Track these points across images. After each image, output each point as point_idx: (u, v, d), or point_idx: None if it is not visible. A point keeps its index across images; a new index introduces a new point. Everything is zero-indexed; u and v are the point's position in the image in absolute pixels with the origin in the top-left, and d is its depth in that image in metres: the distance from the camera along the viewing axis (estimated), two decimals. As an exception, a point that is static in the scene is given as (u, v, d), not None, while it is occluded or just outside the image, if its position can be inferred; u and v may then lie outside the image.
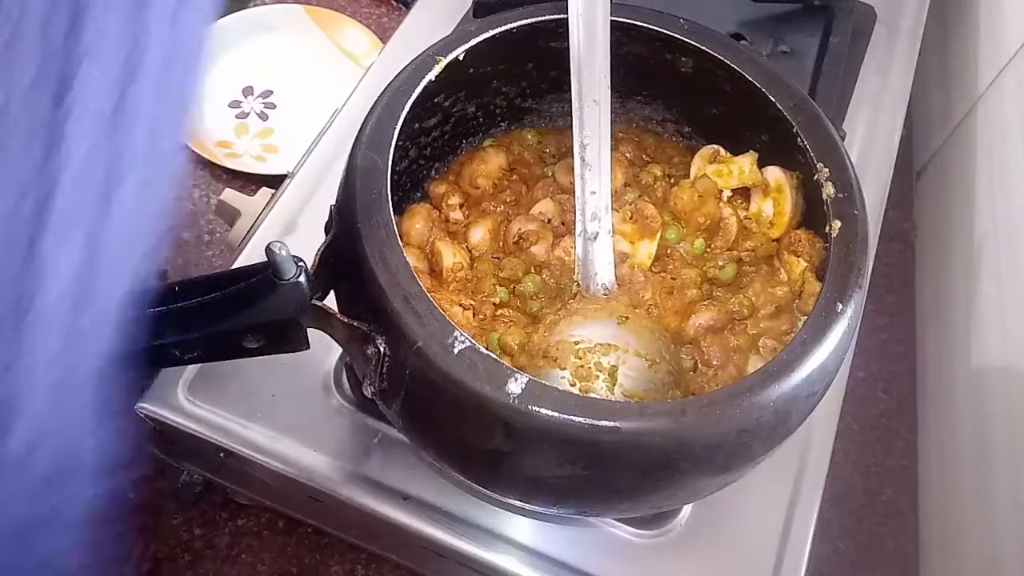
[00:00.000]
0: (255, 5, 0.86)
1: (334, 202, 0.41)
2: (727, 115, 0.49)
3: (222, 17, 0.82)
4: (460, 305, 0.43)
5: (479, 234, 0.47)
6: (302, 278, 0.37)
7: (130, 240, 0.29)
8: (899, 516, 0.65)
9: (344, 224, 0.39)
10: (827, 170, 0.43)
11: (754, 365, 0.43)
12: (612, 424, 0.34)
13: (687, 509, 0.47)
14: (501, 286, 0.45)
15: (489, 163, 0.50)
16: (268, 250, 0.35)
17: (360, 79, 0.62)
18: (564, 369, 0.41)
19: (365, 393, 0.39)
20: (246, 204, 0.59)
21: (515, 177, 0.50)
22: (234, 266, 0.51)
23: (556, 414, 0.34)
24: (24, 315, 0.25)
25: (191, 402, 0.48)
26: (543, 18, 0.46)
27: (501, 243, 0.47)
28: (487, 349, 0.36)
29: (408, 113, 0.42)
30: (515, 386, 0.34)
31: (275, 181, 0.60)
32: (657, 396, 0.41)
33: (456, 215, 0.48)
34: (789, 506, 0.48)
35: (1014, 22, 0.69)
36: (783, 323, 0.45)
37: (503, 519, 0.46)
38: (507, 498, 0.42)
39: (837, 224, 0.42)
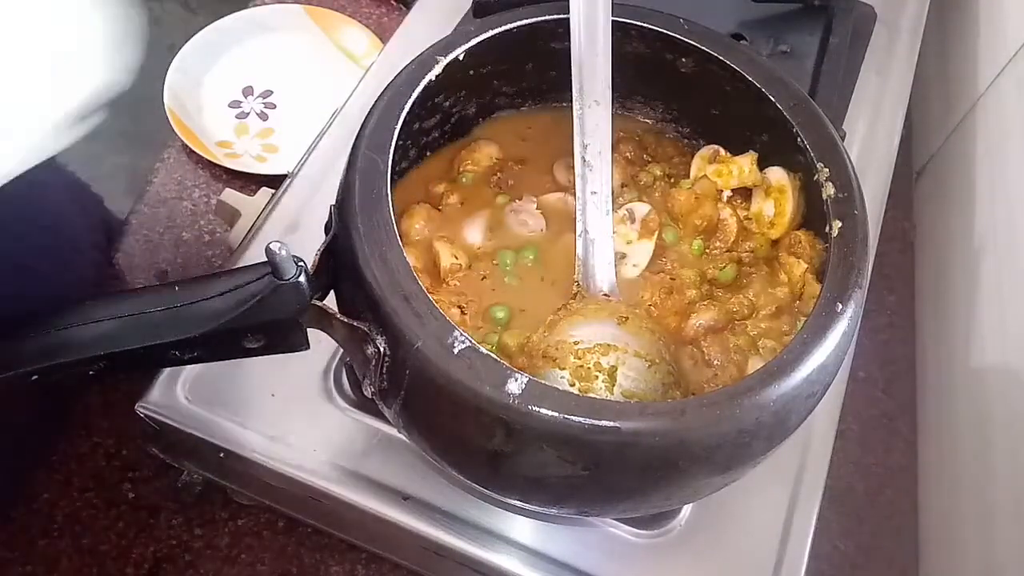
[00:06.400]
0: (255, 5, 0.86)
1: (334, 202, 0.41)
2: (727, 115, 0.49)
3: (222, 17, 0.83)
4: (459, 307, 0.43)
5: (475, 234, 0.47)
6: (302, 278, 0.37)
7: None
8: (899, 516, 0.65)
9: (344, 224, 0.39)
10: (827, 170, 0.43)
11: (754, 365, 0.43)
12: (612, 424, 0.34)
13: (687, 509, 0.47)
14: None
15: (479, 152, 0.50)
16: (268, 250, 0.35)
17: (360, 79, 0.62)
18: (563, 369, 0.41)
19: (365, 393, 0.39)
20: (246, 204, 0.59)
21: (509, 164, 0.50)
22: (234, 266, 0.51)
23: (556, 414, 0.34)
24: None
25: (191, 402, 0.48)
26: (543, 18, 0.46)
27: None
28: (487, 349, 0.36)
29: (408, 113, 0.42)
30: (515, 386, 0.34)
31: (275, 181, 0.60)
32: (657, 396, 0.41)
33: (453, 208, 0.48)
34: (789, 506, 0.48)
35: (1014, 22, 0.69)
36: (783, 323, 0.45)
37: (503, 519, 0.46)
38: (507, 498, 0.42)
39: (837, 224, 0.42)
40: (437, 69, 0.44)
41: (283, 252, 0.36)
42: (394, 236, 0.38)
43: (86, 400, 0.62)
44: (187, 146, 0.75)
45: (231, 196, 0.60)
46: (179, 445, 0.51)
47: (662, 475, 0.37)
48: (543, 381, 0.35)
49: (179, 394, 0.48)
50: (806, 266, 0.45)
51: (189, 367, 0.49)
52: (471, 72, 0.47)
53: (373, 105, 0.43)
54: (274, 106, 0.80)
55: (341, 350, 0.50)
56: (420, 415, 0.39)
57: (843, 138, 0.46)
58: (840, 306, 0.39)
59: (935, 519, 0.63)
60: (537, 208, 0.48)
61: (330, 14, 0.85)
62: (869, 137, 0.63)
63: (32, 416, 0.59)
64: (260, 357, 0.39)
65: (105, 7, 0.34)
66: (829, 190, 0.43)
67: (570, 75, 0.46)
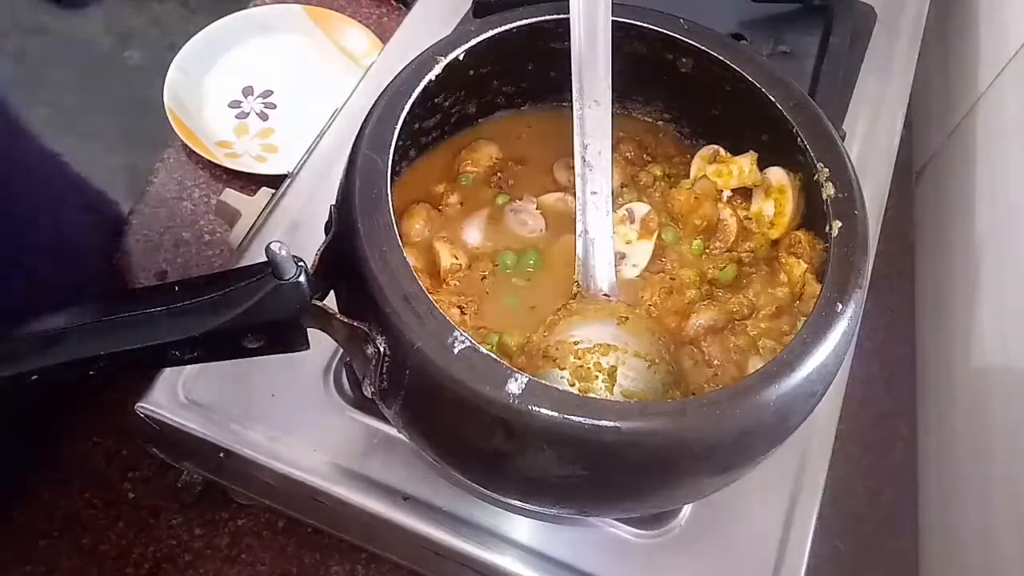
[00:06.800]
0: (255, 5, 0.86)
1: (334, 202, 0.41)
2: (727, 115, 0.49)
3: (222, 17, 0.83)
4: (459, 307, 0.43)
5: (475, 234, 0.47)
6: (302, 278, 0.37)
7: None
8: (899, 516, 0.65)
9: (344, 224, 0.39)
10: (827, 170, 0.43)
11: (754, 365, 0.43)
12: (612, 424, 0.34)
13: (687, 509, 0.47)
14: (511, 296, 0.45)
15: (480, 152, 0.50)
16: (268, 250, 0.35)
17: (360, 79, 0.62)
18: (563, 369, 0.41)
19: (365, 393, 0.39)
20: (246, 204, 0.59)
21: (509, 164, 0.50)
22: (234, 266, 0.51)
23: (556, 414, 0.34)
24: None
25: (191, 402, 0.48)
26: (543, 18, 0.46)
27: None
28: (487, 349, 0.36)
29: (408, 113, 0.42)
30: (515, 386, 0.34)
31: (275, 181, 0.60)
32: (657, 396, 0.41)
33: (453, 208, 0.48)
34: (789, 506, 0.48)
35: (1014, 22, 0.69)
36: (783, 323, 0.45)
37: (503, 519, 0.46)
38: (507, 498, 0.42)
39: (837, 224, 0.42)
40: (437, 69, 0.44)
41: (283, 252, 0.36)
42: (394, 236, 0.38)
43: (86, 400, 0.62)
44: (187, 146, 0.75)
45: (231, 196, 0.60)
46: (179, 445, 0.51)
47: (662, 475, 0.37)
48: (543, 381, 0.35)
49: (179, 394, 0.48)
50: (806, 266, 0.45)
51: (189, 367, 0.49)
52: (471, 72, 0.47)
53: (373, 105, 0.43)
54: (274, 106, 0.80)
55: (341, 350, 0.50)
56: (420, 415, 0.39)
57: (843, 138, 0.46)
58: (840, 306, 0.39)
59: (935, 519, 0.63)
60: (537, 208, 0.48)
61: (330, 14, 0.85)
62: (869, 137, 0.63)
63: (33, 416, 0.59)
64: (260, 357, 0.39)
65: None
66: (829, 190, 0.43)
67: (570, 75, 0.46)
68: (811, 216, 0.46)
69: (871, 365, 0.70)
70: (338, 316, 0.38)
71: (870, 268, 0.42)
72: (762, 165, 0.48)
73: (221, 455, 0.48)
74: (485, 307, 0.44)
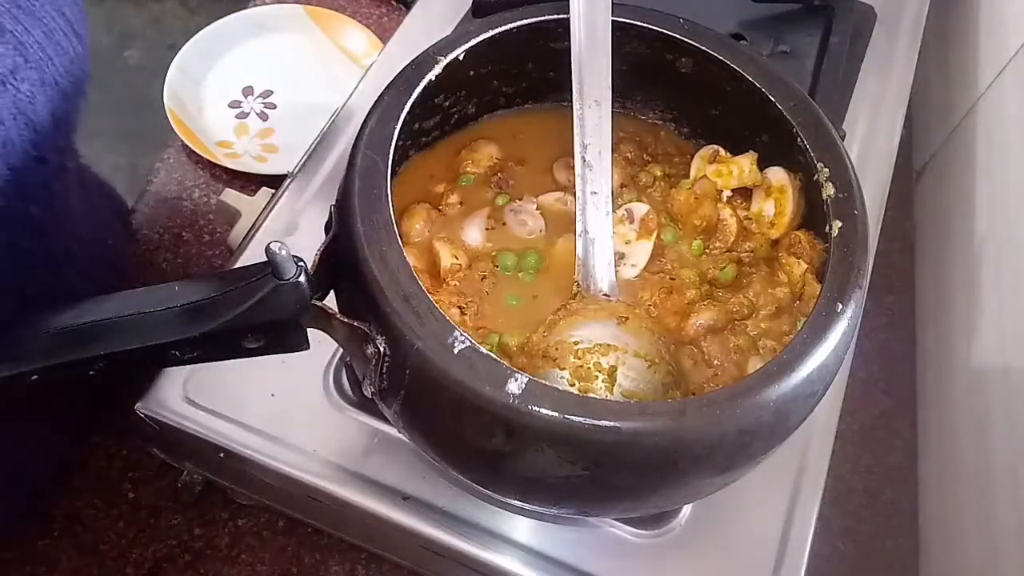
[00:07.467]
0: (255, 5, 0.86)
1: (334, 202, 0.41)
2: (727, 115, 0.49)
3: (222, 17, 0.83)
4: (459, 307, 0.43)
5: (475, 234, 0.47)
6: (302, 278, 0.37)
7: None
8: (899, 516, 0.65)
9: (344, 224, 0.39)
10: (827, 170, 0.43)
11: (754, 365, 0.43)
12: (612, 424, 0.34)
13: (687, 509, 0.47)
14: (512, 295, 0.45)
15: (480, 152, 0.50)
16: (268, 250, 0.35)
17: (360, 79, 0.62)
18: (563, 369, 0.41)
19: (365, 393, 0.39)
20: (246, 204, 0.59)
21: (509, 164, 0.50)
22: (234, 266, 0.51)
23: (556, 414, 0.34)
24: None
25: (191, 402, 0.48)
26: (543, 18, 0.46)
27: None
28: (487, 349, 0.36)
29: (408, 113, 0.42)
30: (515, 386, 0.34)
31: (275, 181, 0.60)
32: (657, 396, 0.41)
33: (453, 208, 0.48)
34: (789, 506, 0.48)
35: (1014, 22, 0.69)
36: (783, 324, 0.45)
37: (503, 519, 0.46)
38: (507, 498, 0.42)
39: (837, 224, 0.42)
40: (437, 69, 0.44)
41: (283, 252, 0.36)
42: (394, 236, 0.38)
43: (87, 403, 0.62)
44: (187, 146, 0.75)
45: (231, 196, 0.60)
46: (179, 445, 0.51)
47: (662, 475, 0.37)
48: (543, 381, 0.35)
49: (179, 394, 0.48)
50: (806, 266, 0.45)
51: (189, 367, 0.49)
52: (471, 72, 0.47)
53: (373, 105, 0.43)
54: (274, 106, 0.80)
55: (341, 350, 0.50)
56: (420, 415, 0.39)
57: (843, 138, 0.46)
58: (840, 306, 0.39)
59: (935, 519, 0.63)
60: (537, 208, 0.48)
61: (330, 14, 0.85)
62: (869, 137, 0.63)
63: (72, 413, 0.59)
64: (260, 357, 0.39)
65: None
66: (829, 190, 0.43)
67: (570, 75, 0.46)
68: (811, 216, 0.46)
69: (871, 365, 0.70)
70: (338, 316, 0.38)
71: (870, 268, 0.42)
72: (762, 165, 0.48)
73: (221, 455, 0.48)
74: (485, 307, 0.44)
